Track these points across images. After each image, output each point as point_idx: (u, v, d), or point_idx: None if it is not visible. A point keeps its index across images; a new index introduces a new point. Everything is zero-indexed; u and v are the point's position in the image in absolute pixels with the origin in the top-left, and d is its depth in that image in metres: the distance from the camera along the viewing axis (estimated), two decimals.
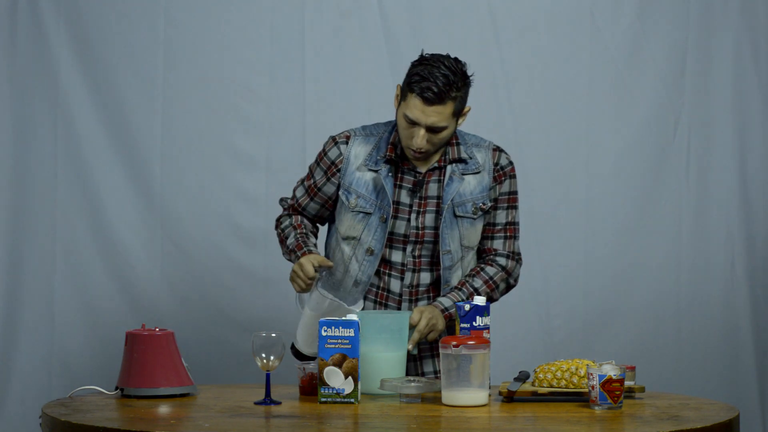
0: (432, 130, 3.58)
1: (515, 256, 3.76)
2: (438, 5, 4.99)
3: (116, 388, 3.44)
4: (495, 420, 3.13)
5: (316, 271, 3.60)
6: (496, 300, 3.75)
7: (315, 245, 3.75)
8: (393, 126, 3.74)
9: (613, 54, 5.02)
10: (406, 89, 3.58)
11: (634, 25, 5.01)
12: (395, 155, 3.69)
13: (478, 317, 3.41)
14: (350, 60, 4.97)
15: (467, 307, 3.41)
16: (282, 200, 3.90)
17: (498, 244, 3.75)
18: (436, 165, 3.70)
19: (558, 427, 3.04)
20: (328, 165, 3.76)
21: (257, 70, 4.97)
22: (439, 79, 3.53)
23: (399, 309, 3.71)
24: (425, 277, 3.71)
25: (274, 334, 3.31)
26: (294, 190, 3.84)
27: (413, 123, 3.58)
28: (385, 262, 3.71)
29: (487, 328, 3.41)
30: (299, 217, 3.82)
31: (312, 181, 3.79)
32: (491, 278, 3.71)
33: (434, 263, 3.71)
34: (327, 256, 3.80)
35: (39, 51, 4.91)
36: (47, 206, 4.93)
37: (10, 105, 4.90)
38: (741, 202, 5.05)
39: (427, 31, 4.94)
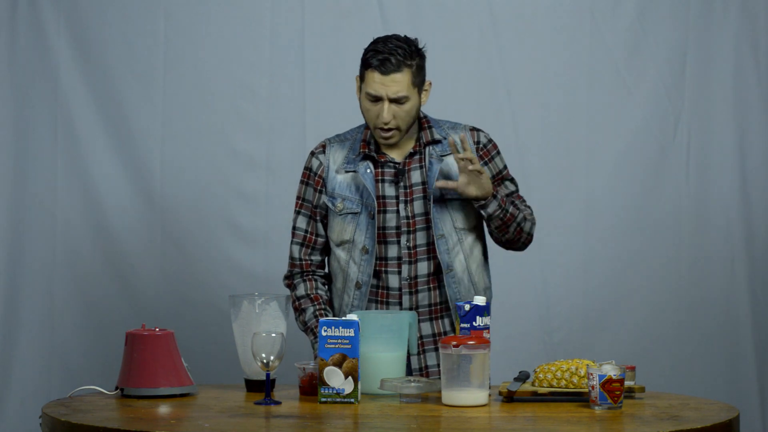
0: (395, 101, 3.63)
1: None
2: (438, 5, 4.99)
3: (116, 388, 3.44)
4: (495, 420, 3.13)
5: None
6: (525, 231, 3.75)
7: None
8: (364, 125, 3.78)
9: (613, 54, 5.02)
10: (363, 70, 3.67)
11: (634, 25, 5.01)
12: (369, 150, 3.72)
13: (478, 317, 3.41)
14: (350, 60, 4.95)
15: (467, 307, 3.41)
16: (291, 247, 3.80)
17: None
18: (412, 151, 3.73)
19: (558, 427, 3.04)
20: (314, 178, 3.78)
21: (257, 70, 4.98)
22: (392, 49, 3.63)
23: (400, 304, 3.71)
24: (423, 267, 3.71)
25: (274, 334, 3.31)
26: (294, 228, 3.80)
27: (376, 99, 3.64)
28: (381, 259, 3.72)
29: (487, 328, 3.41)
30: (314, 283, 3.78)
31: (307, 204, 3.80)
32: (527, 207, 3.79)
33: (431, 251, 3.72)
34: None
35: (39, 51, 4.91)
36: (47, 206, 4.93)
37: (10, 105, 4.90)
38: (741, 202, 5.05)
39: (427, 31, 4.92)
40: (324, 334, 3.32)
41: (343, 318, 3.34)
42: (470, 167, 3.59)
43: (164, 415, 3.20)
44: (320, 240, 3.80)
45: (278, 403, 3.31)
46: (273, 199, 4.97)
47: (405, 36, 3.70)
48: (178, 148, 4.96)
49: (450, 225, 3.72)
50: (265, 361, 3.29)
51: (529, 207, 3.85)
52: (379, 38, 3.70)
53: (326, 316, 3.71)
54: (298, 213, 3.82)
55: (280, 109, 4.99)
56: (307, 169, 3.81)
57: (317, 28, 4.98)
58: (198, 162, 4.97)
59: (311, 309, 3.73)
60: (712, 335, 5.04)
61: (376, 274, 3.73)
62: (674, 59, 5.03)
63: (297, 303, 3.76)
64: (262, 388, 3.44)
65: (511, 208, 3.71)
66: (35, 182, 4.93)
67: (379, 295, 3.73)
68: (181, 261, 4.96)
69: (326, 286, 3.82)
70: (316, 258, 3.80)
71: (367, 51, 3.68)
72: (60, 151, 4.94)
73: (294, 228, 3.82)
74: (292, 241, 3.82)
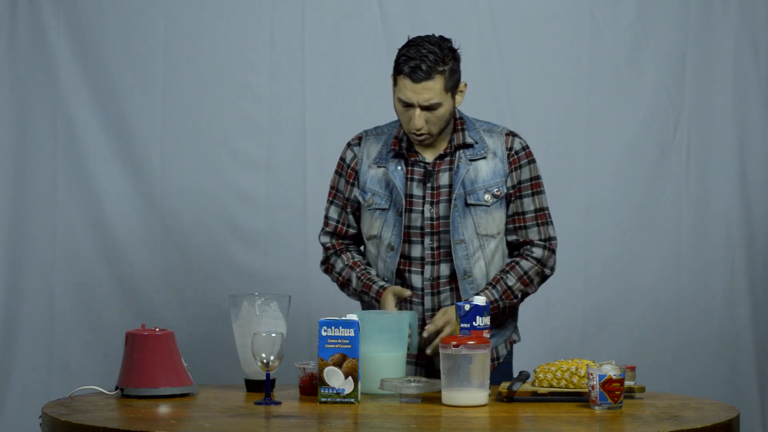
0: (427, 108, 3.58)
1: (550, 244, 3.74)
2: (438, 5, 4.99)
3: (116, 388, 3.44)
4: (495, 420, 3.13)
5: (396, 305, 3.64)
6: (532, 293, 3.74)
7: (377, 275, 3.76)
8: (398, 121, 3.75)
9: (613, 54, 5.02)
10: (395, 74, 3.62)
11: (634, 25, 5.01)
12: (400, 148, 3.70)
13: (478, 317, 3.41)
14: (350, 60, 4.97)
15: (467, 307, 3.40)
16: (321, 236, 3.83)
17: (533, 233, 3.73)
18: (442, 153, 3.69)
19: (558, 427, 3.04)
20: (347, 170, 3.77)
21: (257, 70, 4.97)
22: (424, 55, 3.57)
23: (422, 304, 3.70)
24: (445, 269, 3.68)
25: (274, 334, 3.31)
26: (326, 218, 3.82)
27: (408, 105, 3.60)
28: (405, 258, 3.70)
29: (487, 328, 3.41)
30: (349, 254, 3.79)
31: (340, 195, 3.79)
32: (526, 273, 3.69)
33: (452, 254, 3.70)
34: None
35: (39, 51, 4.91)
36: (47, 206, 4.93)
37: (10, 105, 4.90)
38: (741, 202, 5.05)
39: (427, 31, 4.90)
40: (324, 334, 3.32)
41: (343, 318, 3.34)
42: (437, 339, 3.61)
43: (164, 415, 3.20)
44: (351, 231, 3.80)
45: (278, 403, 3.31)
46: (273, 199, 4.97)
47: (440, 37, 3.64)
48: (178, 148, 4.96)
49: (472, 230, 3.67)
50: (265, 361, 3.29)
51: (546, 240, 3.72)
52: (412, 41, 3.64)
53: (369, 274, 3.71)
54: (330, 203, 3.82)
55: (280, 109, 4.99)
56: (342, 159, 3.79)
57: (317, 28, 4.98)
58: (198, 162, 4.97)
59: (354, 275, 3.74)
60: (712, 335, 5.04)
61: (400, 273, 3.71)
62: (674, 59, 5.03)
63: (340, 278, 3.78)
64: (262, 388, 3.44)
65: (502, 303, 3.66)
66: (35, 182, 4.93)
67: None
68: (181, 261, 4.96)
69: (360, 255, 3.81)
70: (347, 241, 3.82)
71: (399, 55, 3.62)
72: (60, 151, 4.94)
73: (326, 217, 3.82)
74: (322, 230, 3.83)
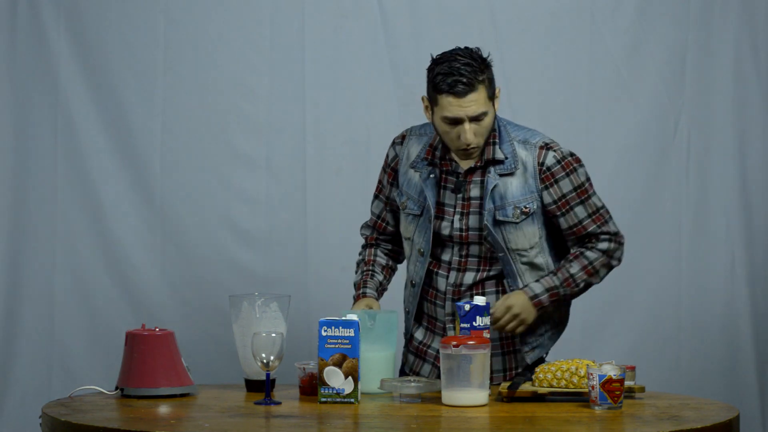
0: (475, 120, 3.54)
1: (615, 238, 3.71)
2: (438, 5, 4.99)
3: (116, 388, 3.44)
4: (495, 420, 3.13)
5: None
6: (597, 284, 3.72)
7: (380, 283, 3.79)
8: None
9: (613, 54, 5.02)
10: (434, 94, 3.55)
11: (634, 25, 5.01)
12: (433, 156, 3.67)
13: (478, 317, 3.41)
14: (350, 60, 4.97)
15: (467, 307, 3.41)
16: (362, 228, 3.89)
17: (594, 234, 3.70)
18: (473, 165, 3.64)
19: (558, 427, 3.04)
20: (387, 169, 3.78)
21: (257, 70, 4.97)
22: (461, 69, 3.51)
23: (443, 307, 3.70)
24: (469, 277, 3.67)
25: (274, 334, 3.31)
26: (370, 211, 3.86)
27: (455, 122, 3.54)
28: (437, 260, 3.70)
29: (487, 328, 3.41)
30: (373, 250, 3.83)
31: (383, 191, 3.81)
32: (591, 263, 3.67)
33: (481, 263, 3.68)
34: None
35: (39, 51, 4.91)
36: (47, 206, 4.93)
37: (10, 105, 4.90)
38: (741, 203, 5.05)
39: (427, 31, 4.94)
40: (324, 334, 3.32)
41: (343, 318, 3.34)
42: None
43: (164, 415, 3.21)
44: (389, 228, 3.83)
45: (278, 403, 3.31)
46: (273, 199, 4.97)
47: (466, 48, 3.59)
48: (178, 148, 4.96)
49: (502, 246, 3.63)
50: (265, 361, 3.29)
51: (611, 234, 3.68)
52: (441, 57, 3.56)
53: (372, 278, 3.77)
54: (375, 196, 3.85)
55: (280, 109, 4.98)
56: (386, 156, 3.80)
57: (317, 28, 4.98)
58: (198, 162, 4.97)
59: (360, 270, 3.80)
60: (712, 335, 5.04)
61: (429, 274, 3.71)
62: (674, 59, 5.03)
63: (356, 268, 3.84)
64: (262, 388, 3.44)
65: (563, 290, 3.65)
66: (35, 182, 4.93)
67: (429, 295, 3.73)
68: (181, 261, 4.96)
69: (387, 255, 3.84)
70: (384, 237, 3.85)
71: (434, 74, 3.55)
72: (60, 151, 4.94)
73: (370, 210, 3.86)
74: (365, 223, 3.88)
